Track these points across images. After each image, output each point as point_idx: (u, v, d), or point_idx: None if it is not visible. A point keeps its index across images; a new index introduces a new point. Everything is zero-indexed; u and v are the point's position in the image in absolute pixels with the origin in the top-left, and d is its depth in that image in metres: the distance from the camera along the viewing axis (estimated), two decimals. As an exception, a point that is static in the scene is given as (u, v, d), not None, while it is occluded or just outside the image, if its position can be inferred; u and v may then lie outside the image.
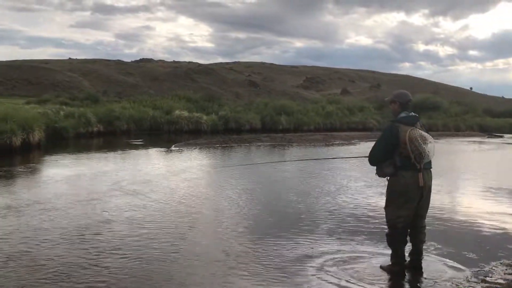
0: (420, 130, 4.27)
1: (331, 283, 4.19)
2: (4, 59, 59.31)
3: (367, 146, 4.71)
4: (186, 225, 6.07)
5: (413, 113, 4.44)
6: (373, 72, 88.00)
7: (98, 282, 4.10)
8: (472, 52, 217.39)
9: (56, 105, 22.79)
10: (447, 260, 4.86)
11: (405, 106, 4.44)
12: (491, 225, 6.44)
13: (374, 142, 4.51)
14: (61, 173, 10.01)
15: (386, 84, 68.63)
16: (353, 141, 21.63)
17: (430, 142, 4.20)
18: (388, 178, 4.38)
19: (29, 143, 13.87)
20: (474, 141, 26.20)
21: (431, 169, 4.38)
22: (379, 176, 4.48)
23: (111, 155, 14.03)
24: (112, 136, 20.11)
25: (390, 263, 4.50)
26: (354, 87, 67.91)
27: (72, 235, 5.47)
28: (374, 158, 4.42)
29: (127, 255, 4.79)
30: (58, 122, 17.60)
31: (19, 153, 13.04)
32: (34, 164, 11.68)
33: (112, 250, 4.95)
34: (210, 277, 4.32)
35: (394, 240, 4.42)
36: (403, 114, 4.40)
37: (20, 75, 45.19)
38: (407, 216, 4.29)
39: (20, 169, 10.52)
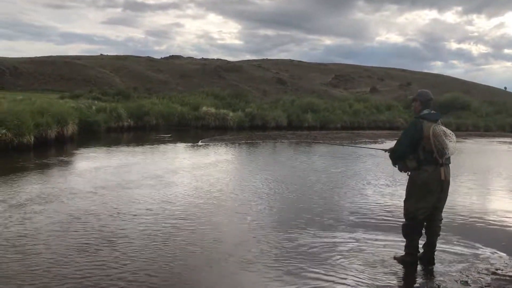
0: (443, 127, 4.44)
1: (345, 271, 4.40)
2: (40, 55, 61.22)
3: (391, 145, 4.78)
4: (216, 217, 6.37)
5: (434, 111, 4.62)
6: (403, 70, 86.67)
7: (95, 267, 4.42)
8: (507, 51, 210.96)
9: (89, 100, 23.52)
10: (460, 252, 5.01)
11: (427, 104, 4.63)
12: (508, 222, 6.51)
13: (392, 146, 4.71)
14: (91, 166, 10.46)
15: (416, 82, 67.54)
16: (379, 140, 21.54)
17: (452, 140, 4.37)
18: (410, 172, 4.56)
19: (63, 136, 14.48)
20: (505, 142, 25.67)
21: (449, 165, 4.54)
22: (401, 170, 4.67)
23: (142, 149, 14.46)
24: (142, 131, 20.67)
25: (404, 254, 4.68)
26: (384, 86, 67.14)
27: (99, 225, 5.84)
28: (399, 153, 4.60)
29: (137, 244, 5.11)
30: (90, 116, 18.25)
31: (54, 146, 13.63)
32: (66, 157, 12.20)
33: (125, 238, 5.29)
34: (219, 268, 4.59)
35: (411, 231, 4.61)
36: (425, 111, 4.57)
37: (54, 71, 46.70)
38: (427, 208, 4.48)
39: (53, 161, 11.06)
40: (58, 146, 13.67)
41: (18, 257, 4.51)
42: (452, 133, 4.45)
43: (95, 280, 4.05)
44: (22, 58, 54.91)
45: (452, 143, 4.38)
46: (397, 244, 5.09)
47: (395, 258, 4.76)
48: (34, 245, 4.86)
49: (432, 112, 4.60)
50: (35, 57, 57.14)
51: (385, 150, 4.96)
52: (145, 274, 4.22)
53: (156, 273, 4.25)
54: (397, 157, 4.65)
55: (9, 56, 56.57)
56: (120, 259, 4.55)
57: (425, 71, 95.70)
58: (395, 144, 4.67)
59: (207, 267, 4.44)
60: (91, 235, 5.27)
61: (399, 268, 4.54)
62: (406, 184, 4.66)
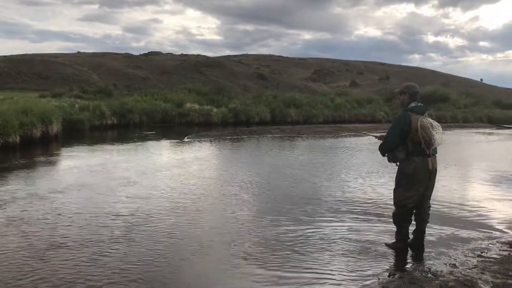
0: (430, 119, 4.68)
1: (339, 258, 4.61)
2: (14, 53, 60.03)
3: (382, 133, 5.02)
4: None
5: (421, 104, 4.84)
6: (382, 64, 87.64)
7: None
8: (482, 43, 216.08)
9: (71, 98, 23.28)
10: (447, 237, 5.30)
11: (414, 97, 4.84)
12: (491, 208, 6.85)
13: (382, 133, 4.93)
14: (76, 165, 10.40)
15: (395, 76, 68.43)
16: (361, 133, 21.92)
17: (439, 131, 4.61)
18: (399, 163, 4.79)
19: (48, 135, 14.38)
20: (483, 132, 26.40)
21: (436, 155, 4.78)
22: (390, 161, 4.88)
23: (126, 146, 14.44)
24: (126, 128, 20.58)
25: (395, 240, 4.92)
26: (363, 79, 67.82)
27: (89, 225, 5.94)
28: (389, 144, 4.80)
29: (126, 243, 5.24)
30: (74, 114, 18.12)
31: (39, 145, 13.52)
32: (47, 157, 12.09)
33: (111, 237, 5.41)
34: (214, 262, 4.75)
35: (401, 219, 4.84)
36: (413, 104, 4.79)
37: (30, 69, 45.79)
38: (416, 197, 4.71)
39: (33, 161, 10.99)
40: (43, 146, 13.55)
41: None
42: (438, 124, 4.69)
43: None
44: (-4, 56, 53.76)
45: (439, 134, 4.61)
46: (388, 231, 5.33)
47: (386, 244, 4.99)
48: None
49: (419, 104, 4.82)
50: (10, 56, 55.98)
51: (376, 137, 5.22)
52: (119, 271, 4.21)
53: (131, 269, 4.24)
54: (387, 149, 4.86)
55: (-17, 55, 55.37)
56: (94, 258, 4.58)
57: (403, 64, 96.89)
58: (385, 136, 4.88)
59: (184, 261, 4.51)
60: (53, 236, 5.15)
61: (391, 254, 4.77)
62: (396, 174, 4.88)
